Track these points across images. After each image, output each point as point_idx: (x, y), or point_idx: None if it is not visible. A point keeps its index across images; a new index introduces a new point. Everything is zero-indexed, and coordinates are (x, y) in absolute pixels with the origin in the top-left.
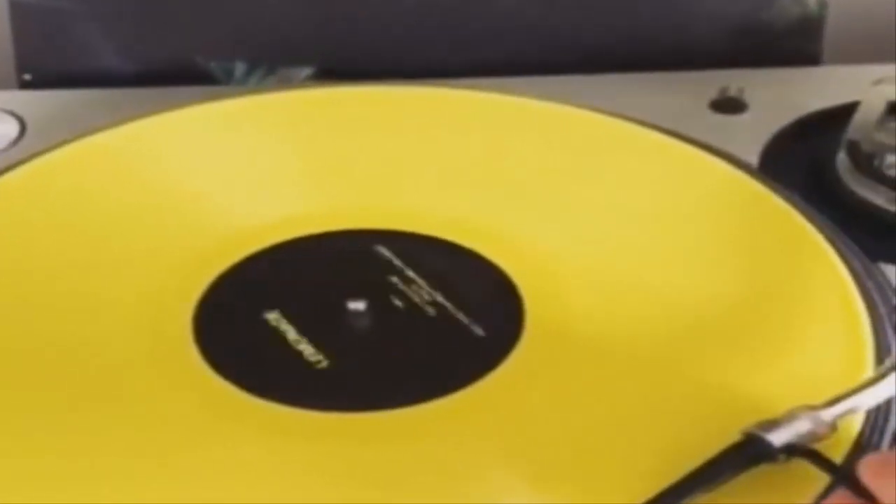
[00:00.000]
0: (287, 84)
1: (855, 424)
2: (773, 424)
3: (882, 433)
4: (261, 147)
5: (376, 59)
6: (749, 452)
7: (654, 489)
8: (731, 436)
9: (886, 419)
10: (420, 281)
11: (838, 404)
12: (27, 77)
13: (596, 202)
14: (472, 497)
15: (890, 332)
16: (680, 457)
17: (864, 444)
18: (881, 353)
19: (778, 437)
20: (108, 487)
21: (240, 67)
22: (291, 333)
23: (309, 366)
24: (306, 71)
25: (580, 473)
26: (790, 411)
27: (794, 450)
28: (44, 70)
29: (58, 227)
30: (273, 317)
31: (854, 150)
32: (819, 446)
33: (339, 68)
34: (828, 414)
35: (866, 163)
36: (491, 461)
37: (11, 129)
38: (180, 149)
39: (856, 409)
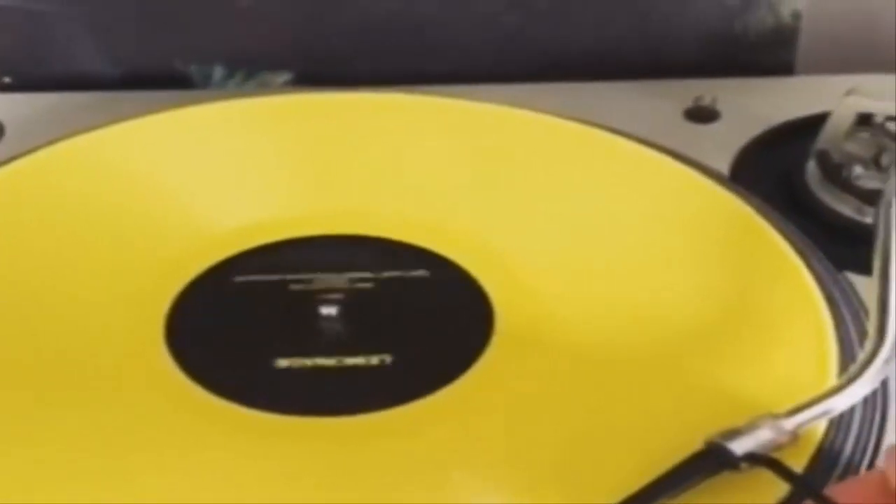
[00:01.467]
0: (265, 89)
1: (817, 433)
2: (735, 433)
3: (844, 441)
4: (238, 151)
5: (354, 65)
6: (711, 461)
7: (617, 496)
8: (695, 443)
9: (849, 427)
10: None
11: (800, 413)
12: (6, 80)
13: (567, 209)
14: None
15: (855, 340)
16: (644, 463)
17: (825, 452)
18: (845, 361)
19: (740, 446)
20: (76, 487)
21: (218, 72)
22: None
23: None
24: (284, 76)
25: (546, 478)
26: (752, 420)
27: (756, 458)
28: (23, 73)
29: (35, 230)
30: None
31: (824, 159)
32: (782, 454)
33: (317, 74)
34: (790, 423)
35: (835, 173)
36: (460, 465)
37: None
38: (158, 152)
39: (818, 418)
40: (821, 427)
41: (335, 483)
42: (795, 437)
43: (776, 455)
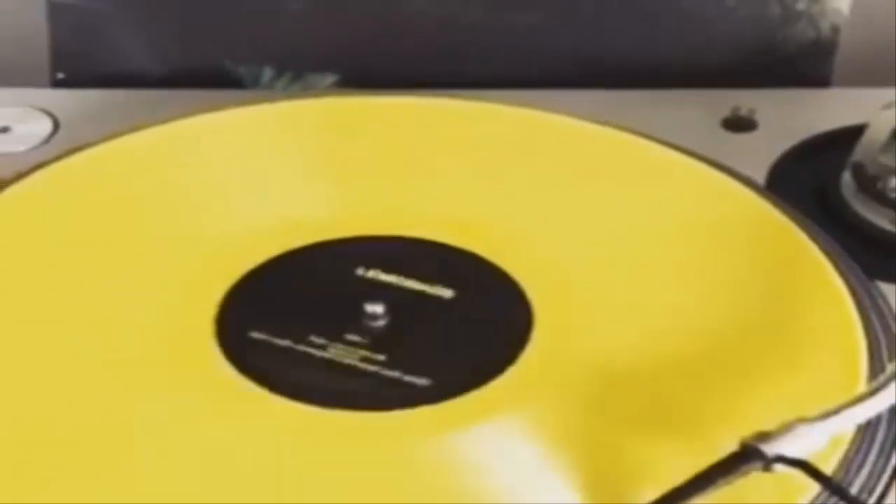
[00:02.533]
0: (312, 90)
1: (846, 436)
2: (768, 436)
3: (870, 445)
4: (286, 152)
5: (400, 68)
6: (745, 462)
7: (652, 496)
8: (730, 446)
9: (875, 432)
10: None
11: (830, 418)
12: (61, 76)
13: (607, 215)
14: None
15: (885, 349)
16: (679, 466)
17: (853, 456)
18: (875, 369)
19: (772, 448)
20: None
21: (267, 73)
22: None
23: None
24: (331, 78)
25: (579, 479)
26: (785, 424)
27: (788, 460)
28: (77, 69)
29: (87, 225)
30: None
31: (859, 171)
32: (812, 457)
33: (363, 76)
34: (820, 427)
35: (870, 184)
36: (494, 467)
37: (44, 126)
38: (206, 152)
39: (848, 423)
40: (850, 431)
41: (371, 477)
42: (825, 441)
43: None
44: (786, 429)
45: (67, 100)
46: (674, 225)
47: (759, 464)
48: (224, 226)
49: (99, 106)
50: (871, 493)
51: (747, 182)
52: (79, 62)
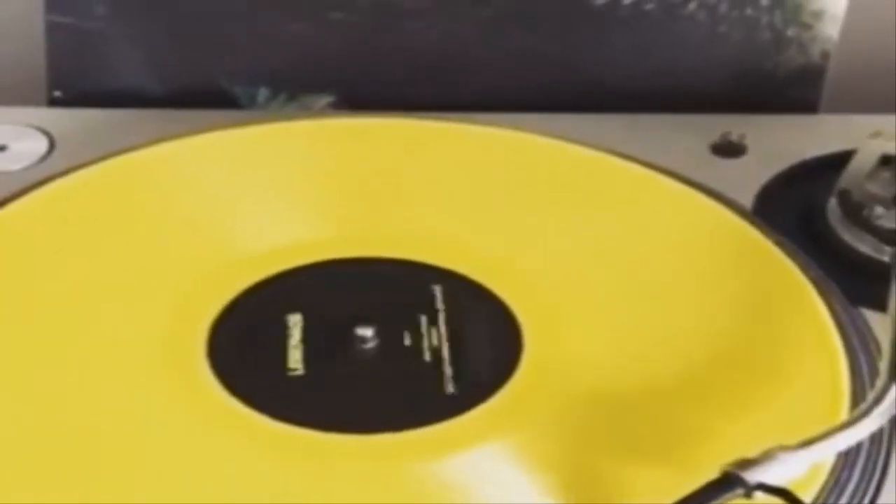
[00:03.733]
0: (307, 111)
1: (827, 464)
2: (749, 463)
3: (851, 472)
4: (280, 172)
5: (395, 90)
6: (726, 489)
7: None
8: (708, 473)
9: (856, 459)
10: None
11: (812, 446)
12: (57, 94)
13: (593, 239)
14: None
15: (867, 376)
16: (660, 492)
17: (834, 484)
18: (858, 395)
19: (753, 476)
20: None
21: (263, 93)
22: (298, 354)
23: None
24: (326, 99)
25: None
26: (767, 451)
27: (769, 488)
28: (73, 88)
29: (81, 244)
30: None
31: (845, 198)
32: (792, 484)
33: (358, 98)
34: (801, 455)
35: (856, 212)
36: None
37: (40, 145)
38: (201, 172)
39: (829, 451)
40: (831, 459)
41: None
42: (806, 468)
43: (787, 485)
44: (767, 456)
45: (64, 118)
46: (661, 249)
47: (739, 491)
48: (215, 247)
49: (94, 125)
50: None
51: (734, 207)
52: (75, 81)
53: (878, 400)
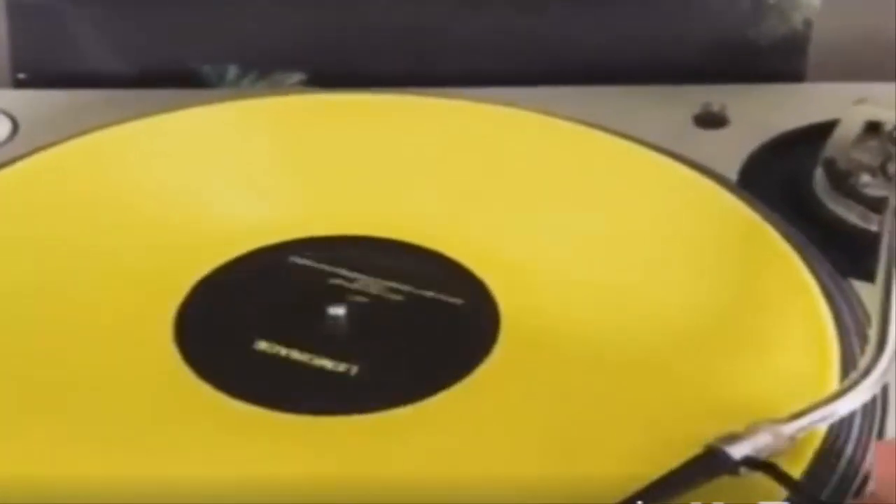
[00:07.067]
0: (277, 89)
1: (817, 437)
2: (734, 438)
3: (844, 445)
4: (249, 151)
5: (366, 66)
6: (710, 465)
7: (616, 498)
8: (696, 446)
9: (849, 431)
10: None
11: (799, 419)
12: (22, 76)
13: (575, 212)
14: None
15: (857, 347)
16: (646, 466)
17: (825, 457)
18: (847, 367)
19: (738, 451)
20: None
21: (232, 71)
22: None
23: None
24: (297, 76)
25: (545, 479)
26: (752, 425)
27: (754, 463)
28: (38, 70)
29: (47, 227)
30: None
31: (831, 167)
32: (782, 458)
33: (329, 74)
34: (789, 428)
35: (842, 180)
36: (460, 466)
37: (3, 128)
38: (169, 151)
39: (816, 425)
40: (821, 432)
41: (338, 481)
42: (794, 442)
43: (775, 460)
44: (753, 430)
45: (28, 101)
46: (644, 222)
47: (724, 466)
48: (183, 227)
49: (60, 107)
50: (842, 496)
51: (718, 179)
52: (40, 62)
53: (867, 370)
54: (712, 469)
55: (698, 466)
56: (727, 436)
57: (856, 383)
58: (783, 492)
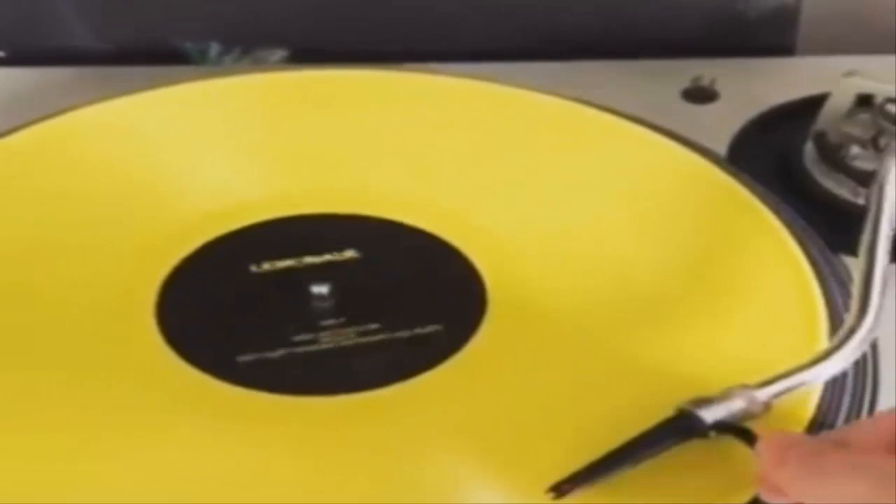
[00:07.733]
0: (260, 66)
1: (811, 403)
2: (707, 401)
3: (836, 412)
4: (231, 129)
5: (348, 42)
6: (680, 427)
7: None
8: None
9: (841, 398)
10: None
11: (773, 385)
12: (1, 54)
13: (562, 187)
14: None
15: (844, 317)
16: (625, 429)
17: (815, 427)
18: None
19: (710, 414)
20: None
21: (214, 48)
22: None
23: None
24: (280, 53)
25: (523, 443)
26: (726, 390)
27: (725, 427)
28: (19, 47)
29: (26, 205)
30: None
31: (821, 141)
32: (777, 424)
33: (311, 51)
34: (762, 393)
35: (832, 154)
36: (449, 437)
37: None
38: (150, 129)
39: (791, 390)
40: (814, 398)
41: (326, 463)
42: (768, 408)
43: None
44: (726, 395)
45: (8, 78)
46: (633, 198)
47: (695, 429)
48: (166, 204)
49: (40, 84)
50: None
51: (707, 153)
52: (21, 39)
53: (846, 338)
54: (683, 432)
55: (669, 429)
56: (699, 399)
57: (832, 352)
58: None
